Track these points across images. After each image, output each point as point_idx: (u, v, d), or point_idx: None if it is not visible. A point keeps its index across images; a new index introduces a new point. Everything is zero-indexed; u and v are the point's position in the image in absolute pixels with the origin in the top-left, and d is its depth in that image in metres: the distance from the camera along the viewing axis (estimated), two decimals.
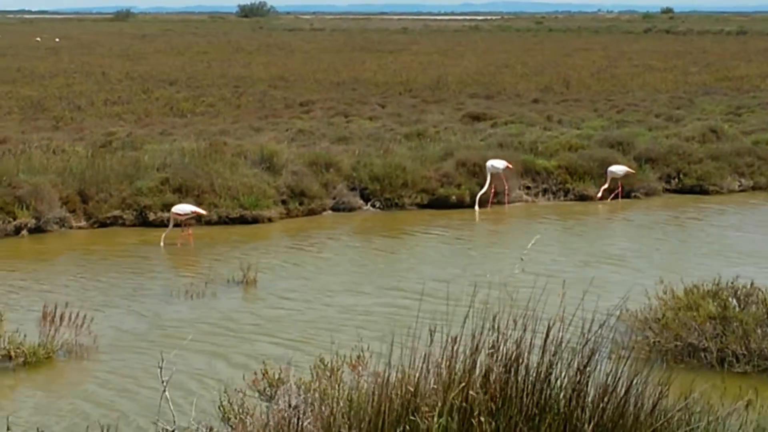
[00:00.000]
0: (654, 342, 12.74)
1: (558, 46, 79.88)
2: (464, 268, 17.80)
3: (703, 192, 25.18)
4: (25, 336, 12.78)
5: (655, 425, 6.17)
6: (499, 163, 22.97)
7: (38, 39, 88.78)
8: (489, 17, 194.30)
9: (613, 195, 23.97)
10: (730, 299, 13.02)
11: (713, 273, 13.77)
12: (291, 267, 17.96)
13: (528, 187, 24.58)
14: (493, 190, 23.15)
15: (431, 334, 6.32)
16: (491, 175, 22.88)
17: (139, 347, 13.08)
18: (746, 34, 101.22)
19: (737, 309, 12.86)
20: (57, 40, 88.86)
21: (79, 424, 9.85)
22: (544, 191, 24.61)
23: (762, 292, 12.99)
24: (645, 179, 25.00)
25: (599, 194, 23.90)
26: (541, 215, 23.02)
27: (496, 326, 6.17)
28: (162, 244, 19.15)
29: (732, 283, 13.19)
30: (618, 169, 23.89)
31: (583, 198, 24.17)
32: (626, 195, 24.57)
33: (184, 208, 19.72)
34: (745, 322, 12.47)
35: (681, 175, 25.56)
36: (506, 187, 23.34)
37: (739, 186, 25.76)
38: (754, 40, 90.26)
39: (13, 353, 12.58)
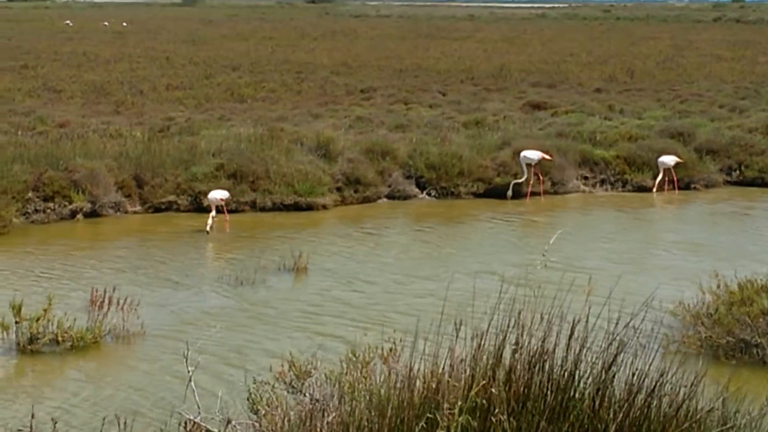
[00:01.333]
0: (705, 337, 12.54)
1: (625, 35, 79.12)
2: (513, 258, 17.65)
3: (765, 185, 24.77)
4: (74, 320, 12.81)
5: (682, 426, 6.01)
6: (533, 154, 22.66)
7: (106, 24, 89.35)
8: (557, 5, 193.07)
9: (669, 185, 23.64)
10: None
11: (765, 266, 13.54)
12: (343, 255, 17.91)
13: (585, 178, 24.34)
14: (531, 181, 22.86)
15: (456, 330, 6.22)
16: (526, 165, 22.61)
17: (185, 333, 13.04)
18: None
19: None
20: (124, 24, 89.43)
21: (117, 410, 9.83)
22: (602, 182, 24.35)
23: None
24: (705, 171, 24.66)
25: (654, 187, 23.58)
26: (596, 205, 22.79)
27: (520, 323, 6.05)
28: (207, 230, 19.08)
29: None
30: (668, 159, 23.55)
31: (641, 189, 23.89)
32: (686, 186, 24.25)
33: (217, 195, 19.69)
34: None
35: (742, 167, 25.18)
36: (541, 179, 23.02)
37: None
38: None
39: (60, 338, 12.63)
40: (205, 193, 20.78)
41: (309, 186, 21.59)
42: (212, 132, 25.67)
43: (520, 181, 22.65)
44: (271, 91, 39.10)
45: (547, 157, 22.80)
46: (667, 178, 23.61)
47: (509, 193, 22.63)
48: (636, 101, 36.26)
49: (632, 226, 21.52)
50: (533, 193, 23.01)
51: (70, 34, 73.88)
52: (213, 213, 19.34)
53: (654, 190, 23.61)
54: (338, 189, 22.28)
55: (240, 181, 21.46)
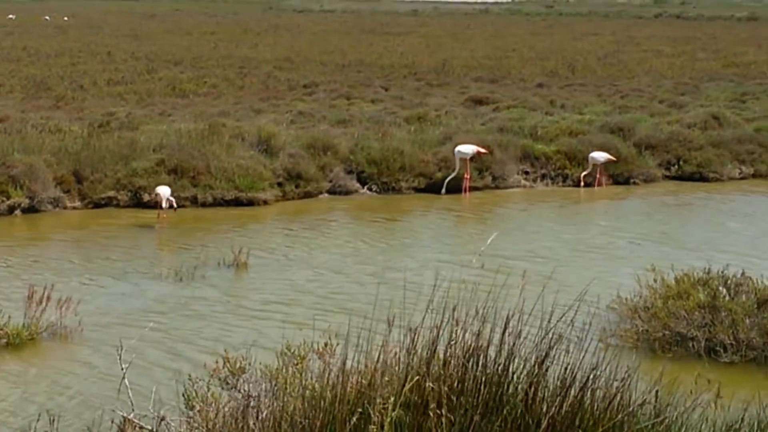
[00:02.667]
0: (642, 330, 12.64)
1: (567, 31, 79.61)
2: (452, 252, 17.72)
3: (703, 179, 25.01)
4: (10, 317, 12.69)
5: (615, 419, 6.05)
6: (468, 149, 22.65)
7: (47, 18, 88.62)
8: (500, 0, 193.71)
9: (597, 181, 23.75)
10: (720, 288, 12.91)
11: (706, 261, 13.66)
12: (283, 250, 17.87)
13: (526, 172, 24.44)
14: (468, 176, 22.86)
15: (390, 324, 6.23)
16: (459, 160, 22.62)
17: (122, 330, 12.95)
18: (757, 20, 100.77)
19: (727, 298, 12.75)
20: (65, 19, 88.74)
21: (50, 406, 9.75)
22: (543, 177, 24.46)
23: (752, 282, 12.89)
24: (644, 165, 24.86)
25: (581, 182, 23.71)
26: (535, 199, 22.91)
27: (454, 317, 6.08)
28: (161, 225, 18.98)
29: (722, 272, 13.08)
30: (598, 155, 23.66)
31: (586, 184, 23.98)
32: (625, 181, 24.44)
33: (167, 190, 19.61)
34: (734, 312, 12.37)
35: (681, 162, 25.41)
36: (468, 175, 22.96)
37: (740, 173, 25.60)
38: (765, 26, 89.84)
39: None
40: (146, 189, 20.67)
41: (250, 181, 21.54)
42: (153, 127, 25.54)
43: (452, 176, 22.63)
44: (213, 87, 38.97)
45: (482, 150, 22.81)
46: (597, 175, 23.69)
47: (443, 190, 22.59)
48: (577, 96, 36.51)
49: (570, 220, 21.65)
50: (472, 188, 23.06)
51: (10, 29, 73.21)
52: (165, 206, 19.27)
53: (581, 185, 23.69)
54: (279, 184, 22.23)
55: (181, 176, 21.37)
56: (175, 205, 19.61)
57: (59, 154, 21.55)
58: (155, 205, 19.64)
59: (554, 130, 26.20)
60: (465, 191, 22.76)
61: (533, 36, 72.37)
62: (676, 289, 12.97)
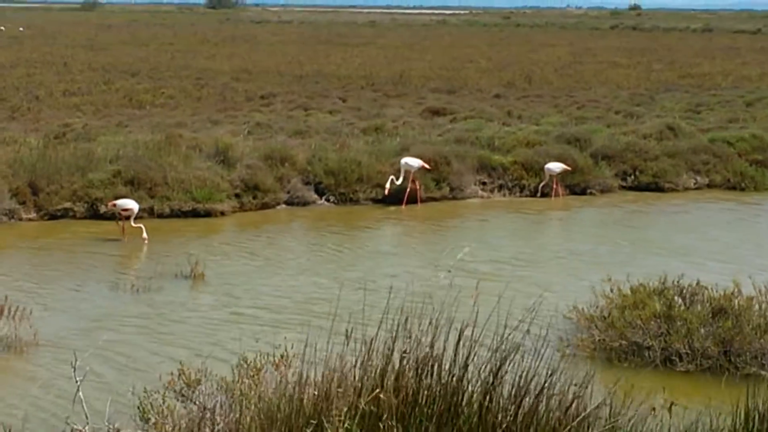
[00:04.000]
0: (599, 340, 12.70)
1: (524, 42, 80.00)
2: (407, 263, 17.74)
3: (659, 189, 25.19)
4: None
5: (569, 426, 6.09)
6: (414, 162, 22.68)
7: (2, 28, 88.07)
8: (457, 11, 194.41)
9: (554, 192, 23.84)
10: (675, 298, 13.02)
11: (662, 271, 13.73)
12: (239, 261, 17.83)
13: (484, 183, 24.51)
14: (419, 187, 22.84)
15: (347, 336, 6.24)
16: (405, 172, 22.61)
17: (78, 342, 12.88)
18: (712, 32, 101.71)
19: (682, 308, 12.84)
20: (21, 29, 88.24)
21: (2, 420, 9.68)
22: (500, 187, 24.53)
23: (707, 291, 12.99)
24: (601, 176, 25.00)
25: (539, 193, 23.82)
26: (492, 210, 22.97)
27: (408, 328, 6.09)
28: (145, 236, 18.85)
29: (678, 281, 13.18)
30: (555, 166, 23.77)
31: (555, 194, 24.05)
32: (582, 191, 24.58)
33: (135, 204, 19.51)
34: (690, 321, 12.46)
35: (637, 173, 25.58)
36: (417, 187, 22.87)
37: (695, 183, 25.81)
38: (719, 37, 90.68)
39: None
40: (102, 200, 20.59)
41: (207, 192, 21.47)
42: (110, 138, 25.41)
43: (397, 182, 22.52)
44: (170, 98, 38.85)
45: (426, 166, 22.82)
46: (554, 185, 23.80)
47: (387, 185, 22.46)
48: (534, 107, 36.67)
49: (527, 230, 21.74)
50: (429, 199, 23.12)
51: None
52: (131, 221, 19.10)
53: (538, 195, 23.81)
54: (237, 195, 22.17)
55: (137, 187, 21.27)
56: (130, 218, 19.48)
57: (15, 166, 21.39)
58: (120, 217, 19.46)
59: (511, 140, 26.30)
60: (404, 203, 22.70)
61: (490, 47, 72.63)
62: (633, 298, 13.05)
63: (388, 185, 22.47)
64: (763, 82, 47.62)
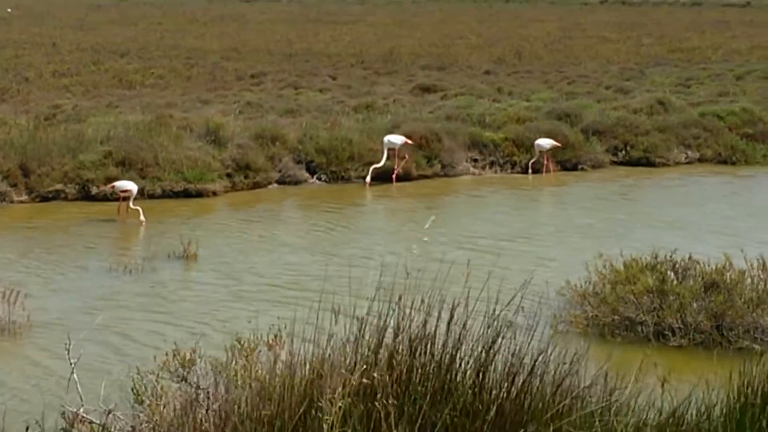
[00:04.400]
0: (591, 316, 12.72)
1: (513, 17, 79.83)
2: (400, 241, 17.76)
3: (650, 164, 25.24)
4: None
5: (563, 403, 6.11)
6: (397, 139, 22.61)
7: None
8: None
9: (545, 168, 23.85)
10: (668, 272, 13.02)
11: (653, 246, 13.73)
12: (232, 241, 17.83)
13: (475, 160, 24.52)
14: (401, 164, 22.78)
15: (336, 315, 6.25)
16: (387, 150, 22.54)
17: (71, 323, 12.86)
18: (701, 5, 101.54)
19: (675, 282, 12.86)
20: (9, 10, 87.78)
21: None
22: (492, 164, 24.55)
23: (700, 266, 13.00)
24: (592, 151, 25.04)
25: (529, 169, 23.83)
26: (483, 186, 22.99)
27: (401, 306, 6.10)
28: (124, 220, 18.80)
29: (670, 256, 13.19)
30: (544, 142, 23.78)
31: (532, 171, 24.04)
32: (573, 167, 24.62)
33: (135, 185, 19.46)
34: (682, 296, 12.48)
35: (628, 147, 25.61)
36: (397, 166, 22.81)
37: (686, 158, 25.86)
38: (709, 11, 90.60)
39: None
40: (93, 181, 20.58)
41: (198, 172, 21.45)
42: (100, 119, 25.36)
43: (378, 165, 22.49)
44: (160, 78, 38.77)
45: (409, 141, 22.77)
46: (544, 161, 23.81)
47: (368, 179, 22.45)
48: (524, 83, 36.67)
49: (519, 207, 21.76)
50: (421, 177, 23.11)
51: None
52: (131, 203, 19.03)
53: (529, 172, 23.81)
54: (228, 175, 22.16)
55: (128, 168, 21.23)
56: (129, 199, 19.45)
57: (5, 148, 21.35)
58: (119, 199, 19.40)
59: (502, 117, 26.30)
60: (394, 180, 22.67)
61: (480, 23, 72.48)
62: (625, 274, 13.05)
63: (368, 177, 22.35)
64: (752, 56, 47.66)
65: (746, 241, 15.93)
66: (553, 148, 23.86)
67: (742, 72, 39.87)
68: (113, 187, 19.55)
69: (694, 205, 21.16)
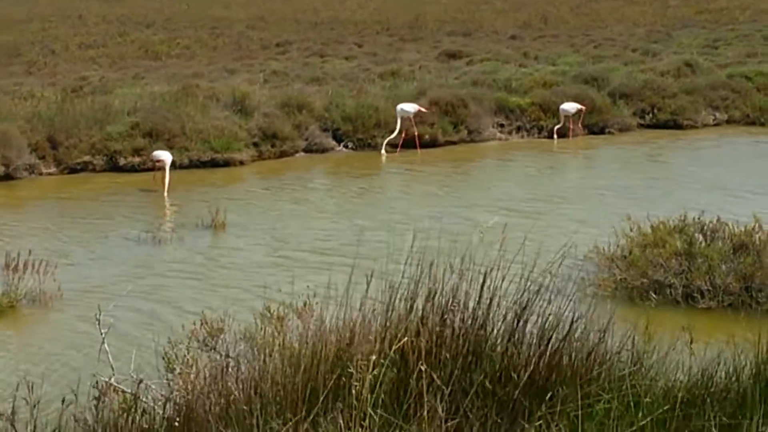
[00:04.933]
0: (620, 279, 12.69)
1: None
2: (434, 206, 17.75)
3: (678, 127, 25.16)
4: None
5: (593, 369, 6.11)
6: (410, 107, 22.52)
7: None
8: None
9: (571, 132, 23.78)
10: (696, 235, 12.96)
11: (682, 208, 13.68)
12: (260, 210, 17.87)
13: (501, 125, 24.49)
14: (404, 134, 22.69)
15: (368, 280, 6.26)
16: (401, 119, 22.46)
17: (102, 294, 12.93)
18: None
19: (703, 244, 12.80)
20: None
21: (30, 373, 9.77)
22: (518, 129, 24.51)
23: (728, 227, 12.94)
24: (619, 114, 24.96)
25: (555, 134, 23.74)
26: (511, 152, 22.95)
27: (432, 272, 6.12)
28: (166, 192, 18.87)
29: (698, 218, 13.14)
30: (569, 106, 23.71)
31: (558, 135, 23.97)
32: (600, 131, 24.54)
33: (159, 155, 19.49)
34: (711, 258, 12.42)
35: (655, 110, 25.52)
36: (416, 132, 22.76)
37: (714, 120, 25.74)
38: None
39: None
40: (121, 152, 20.68)
41: (225, 142, 21.51)
42: (126, 91, 25.46)
43: (393, 136, 22.48)
44: (186, 48, 38.87)
45: (423, 110, 22.70)
46: (570, 126, 23.75)
47: (383, 151, 22.41)
48: (550, 47, 36.53)
49: (549, 171, 21.69)
50: (448, 143, 23.09)
51: None
52: (167, 175, 19.02)
53: (555, 137, 23.74)
54: (255, 144, 22.21)
55: (156, 139, 21.31)
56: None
57: (33, 121, 21.47)
58: (153, 169, 19.46)
59: (528, 82, 26.25)
60: (418, 147, 22.58)
61: None
62: (653, 237, 13.02)
63: (384, 150, 22.29)
64: None
65: None
66: (579, 113, 23.78)
67: None
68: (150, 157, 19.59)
69: (718, 166, 21.03)
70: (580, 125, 23.99)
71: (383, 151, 22.36)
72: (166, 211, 18.00)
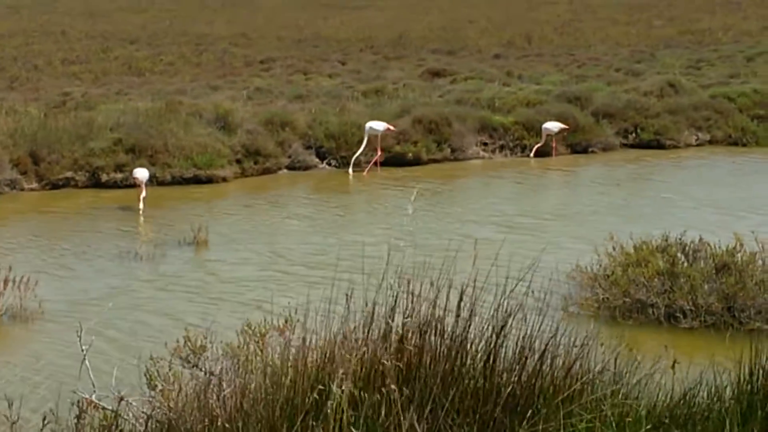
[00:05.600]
0: (603, 298, 12.69)
1: (522, 0, 79.54)
2: (415, 225, 17.73)
3: (660, 146, 25.23)
4: None
5: (574, 386, 6.10)
6: (379, 125, 22.48)
7: None
8: None
9: (554, 151, 23.82)
10: (678, 255, 12.98)
11: (663, 228, 13.71)
12: (243, 228, 17.85)
13: (485, 144, 24.52)
14: (378, 151, 22.59)
15: (348, 299, 6.25)
16: (369, 137, 22.39)
17: (83, 311, 12.88)
18: None
19: (685, 264, 12.83)
20: None
21: (9, 390, 9.71)
22: (501, 147, 24.53)
23: (710, 248, 12.96)
24: (602, 134, 25.02)
25: (532, 153, 23.80)
26: (492, 170, 22.97)
27: (410, 290, 6.11)
28: (141, 207, 18.74)
29: (680, 238, 13.16)
30: (552, 125, 23.76)
31: (539, 154, 24.01)
32: (584, 150, 24.61)
33: (145, 173, 19.35)
34: (693, 278, 12.44)
35: (638, 130, 25.60)
36: (379, 151, 22.65)
37: (696, 140, 25.83)
38: None
39: None
40: (103, 168, 20.65)
41: (208, 159, 21.49)
42: (110, 106, 25.42)
43: (358, 153, 22.36)
44: (170, 64, 38.85)
45: (391, 128, 22.67)
46: (553, 144, 23.79)
47: (350, 170, 22.30)
48: (534, 67, 36.63)
49: (530, 191, 21.72)
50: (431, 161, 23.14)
51: None
52: (143, 192, 18.90)
53: (531, 155, 23.78)
54: (238, 161, 22.20)
55: (138, 155, 21.28)
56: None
57: (15, 136, 21.41)
58: (135, 185, 19.39)
59: (512, 101, 26.30)
60: (377, 165, 22.55)
61: (489, 6, 72.27)
62: (636, 256, 13.03)
63: (351, 169, 22.23)
64: (763, 36, 47.50)
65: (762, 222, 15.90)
66: (561, 132, 23.84)
67: (753, 53, 39.75)
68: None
69: (701, 186, 21.08)
70: (562, 144, 24.04)
71: (350, 170, 22.22)
72: (149, 228, 17.94)
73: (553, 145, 23.78)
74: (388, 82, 31.62)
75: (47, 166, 20.99)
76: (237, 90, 30.28)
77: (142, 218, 18.59)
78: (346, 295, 6.28)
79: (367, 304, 6.17)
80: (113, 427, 6.17)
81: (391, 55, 41.49)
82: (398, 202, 20.25)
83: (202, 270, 15.21)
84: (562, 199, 20.63)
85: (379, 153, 22.56)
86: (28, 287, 12.98)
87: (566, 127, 23.87)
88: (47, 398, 8.83)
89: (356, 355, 5.77)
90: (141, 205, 18.66)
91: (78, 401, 7.16)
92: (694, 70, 34.90)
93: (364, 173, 22.36)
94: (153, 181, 20.54)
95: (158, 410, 7.14)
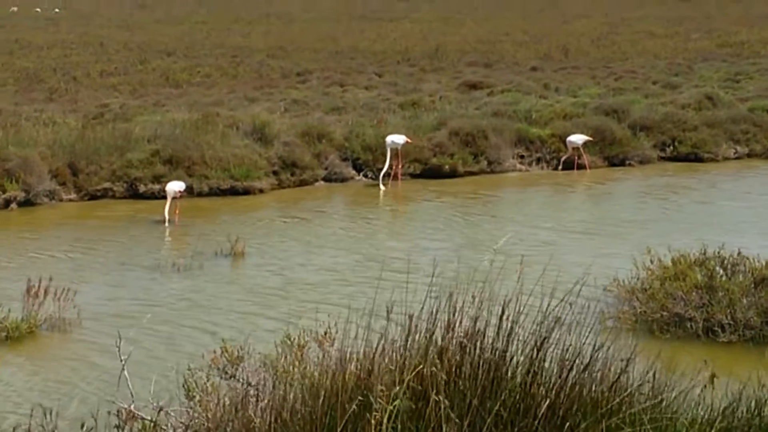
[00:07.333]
0: (640, 312, 12.65)
1: (558, 13, 79.47)
2: (454, 238, 17.73)
3: (698, 160, 25.10)
4: (9, 310, 12.68)
5: (614, 401, 6.08)
6: (399, 139, 22.42)
7: (38, 10, 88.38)
8: None
9: (579, 164, 23.74)
10: (716, 268, 12.92)
11: (702, 242, 13.63)
12: (279, 239, 17.88)
13: (522, 156, 24.47)
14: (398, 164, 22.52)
15: (388, 312, 6.25)
16: (390, 150, 22.22)
17: (121, 321, 12.94)
18: None
19: (724, 278, 12.76)
20: (56, 10, 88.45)
21: (49, 399, 9.77)
22: (538, 160, 24.48)
23: (749, 261, 12.89)
24: (639, 147, 24.91)
25: (559, 165, 23.74)
26: (531, 183, 22.93)
27: (452, 303, 6.10)
28: (167, 219, 18.77)
29: (719, 252, 13.08)
30: (577, 138, 23.66)
31: (578, 167, 23.91)
32: (621, 163, 24.54)
33: (175, 187, 19.34)
34: (731, 292, 12.37)
35: (676, 143, 25.47)
36: (400, 164, 22.58)
37: (735, 153, 25.69)
38: (758, 4, 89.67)
39: None
40: (141, 179, 20.76)
41: (245, 170, 21.54)
42: (147, 118, 25.54)
43: (386, 168, 22.13)
44: (207, 76, 38.96)
45: (409, 140, 22.57)
46: (575, 158, 23.71)
47: (381, 185, 22.14)
48: (571, 79, 36.53)
49: (567, 204, 21.66)
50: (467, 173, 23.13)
51: (1, 21, 72.97)
52: (168, 203, 18.91)
53: (559, 167, 23.73)
54: (275, 173, 22.24)
55: (176, 166, 21.36)
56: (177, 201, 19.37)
57: (54, 147, 21.54)
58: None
59: (548, 113, 26.22)
60: (398, 178, 22.51)
61: (525, 19, 72.28)
62: (674, 270, 12.97)
63: (380, 183, 22.11)
64: None
65: None
66: (586, 143, 23.75)
67: None
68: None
69: (739, 200, 20.97)
70: (599, 157, 23.97)
71: (381, 185, 22.12)
72: (186, 239, 18.00)
73: (581, 157, 23.63)
74: (424, 95, 31.61)
75: (85, 177, 21.11)
76: (274, 102, 30.34)
77: (168, 229, 18.60)
78: (387, 307, 6.28)
79: (408, 318, 6.16)
80: None
81: (428, 67, 41.49)
82: (439, 216, 20.24)
83: (239, 281, 15.25)
84: (599, 212, 20.54)
85: (400, 166, 22.53)
86: (66, 297, 13.07)
87: (590, 138, 23.76)
88: (86, 408, 8.88)
89: (397, 368, 5.77)
90: (166, 216, 18.66)
91: (117, 411, 7.20)
92: (733, 83, 34.72)
93: (388, 186, 22.18)
94: (191, 192, 20.62)
95: (197, 420, 7.17)
